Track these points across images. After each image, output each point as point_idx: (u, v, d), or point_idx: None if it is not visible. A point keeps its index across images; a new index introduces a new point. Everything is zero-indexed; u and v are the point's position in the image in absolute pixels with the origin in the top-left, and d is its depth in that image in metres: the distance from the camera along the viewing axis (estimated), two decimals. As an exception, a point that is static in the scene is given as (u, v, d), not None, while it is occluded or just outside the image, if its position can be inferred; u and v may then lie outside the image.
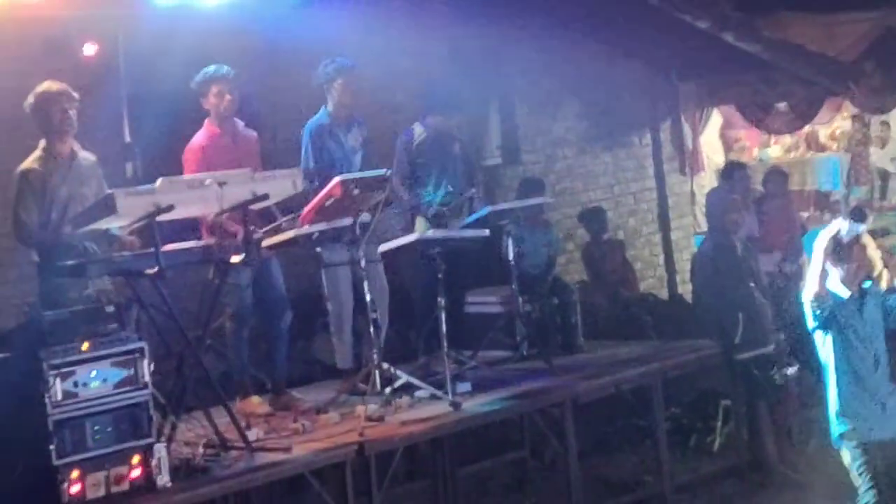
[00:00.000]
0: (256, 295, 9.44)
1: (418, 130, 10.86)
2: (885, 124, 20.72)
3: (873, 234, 17.90)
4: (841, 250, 7.95)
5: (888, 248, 17.75)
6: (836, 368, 8.06)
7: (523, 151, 15.16)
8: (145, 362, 7.45)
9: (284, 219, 8.99)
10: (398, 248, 9.74)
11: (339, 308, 9.84)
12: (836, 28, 16.27)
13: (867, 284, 8.08)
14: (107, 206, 7.74)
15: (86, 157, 8.62)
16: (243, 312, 9.39)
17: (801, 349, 12.31)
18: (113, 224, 8.00)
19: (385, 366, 9.25)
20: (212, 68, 9.41)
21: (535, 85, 14.88)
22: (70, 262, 7.89)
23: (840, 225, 8.08)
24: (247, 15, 10.66)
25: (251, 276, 9.24)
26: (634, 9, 13.69)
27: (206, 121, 9.48)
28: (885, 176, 20.77)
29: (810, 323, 8.13)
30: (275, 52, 11.35)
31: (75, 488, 7.12)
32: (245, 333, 9.48)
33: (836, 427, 8.10)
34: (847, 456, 8.09)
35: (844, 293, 8.00)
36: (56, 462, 7.09)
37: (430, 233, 9.88)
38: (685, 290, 15.45)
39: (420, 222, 10.54)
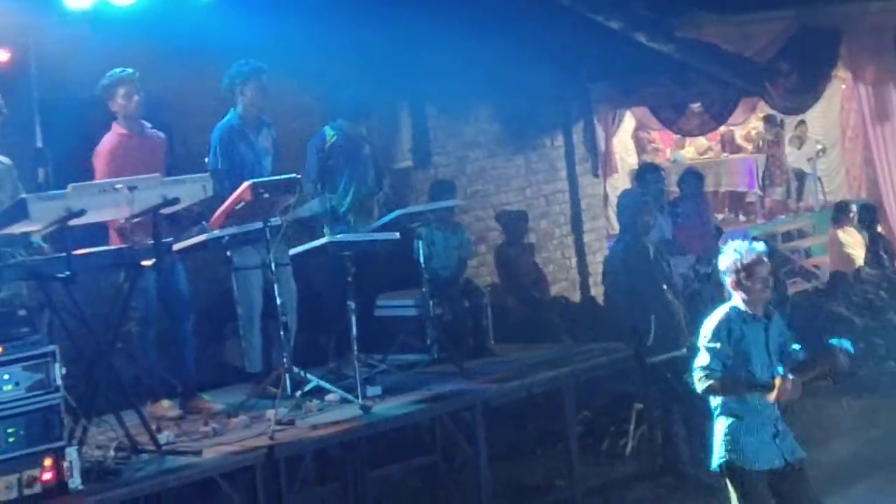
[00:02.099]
0: (161, 298, 9.62)
1: (329, 133, 11.10)
2: (802, 124, 21.15)
3: (788, 236, 18.63)
4: (742, 272, 7.87)
5: (803, 250, 18.33)
6: (724, 401, 7.99)
7: (434, 154, 15.40)
8: (57, 366, 7.59)
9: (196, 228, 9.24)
10: (308, 252, 9.89)
11: (250, 311, 10.04)
12: (750, 28, 16.59)
13: (771, 307, 8.09)
14: (19, 211, 7.94)
15: (2, 160, 8.86)
16: (149, 315, 9.54)
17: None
18: (25, 229, 8.17)
19: (295, 369, 9.40)
20: (117, 71, 9.60)
21: (445, 87, 15.05)
22: (-18, 266, 8.04)
23: (738, 246, 8.00)
24: (157, 20, 10.83)
25: (156, 279, 9.39)
26: (545, 9, 13.96)
27: (114, 123, 9.67)
28: (801, 176, 21.19)
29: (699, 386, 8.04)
30: (185, 57, 11.49)
31: (-13, 491, 7.27)
32: (152, 336, 9.63)
33: (719, 456, 8.02)
34: (730, 485, 8.01)
35: (749, 317, 7.91)
36: (-32, 465, 7.25)
37: (341, 236, 10.04)
38: (598, 292, 15.58)
39: (328, 226, 10.80)
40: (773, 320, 8.03)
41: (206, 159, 10.29)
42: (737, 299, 7.95)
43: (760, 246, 8.04)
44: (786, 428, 8.01)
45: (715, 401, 8.06)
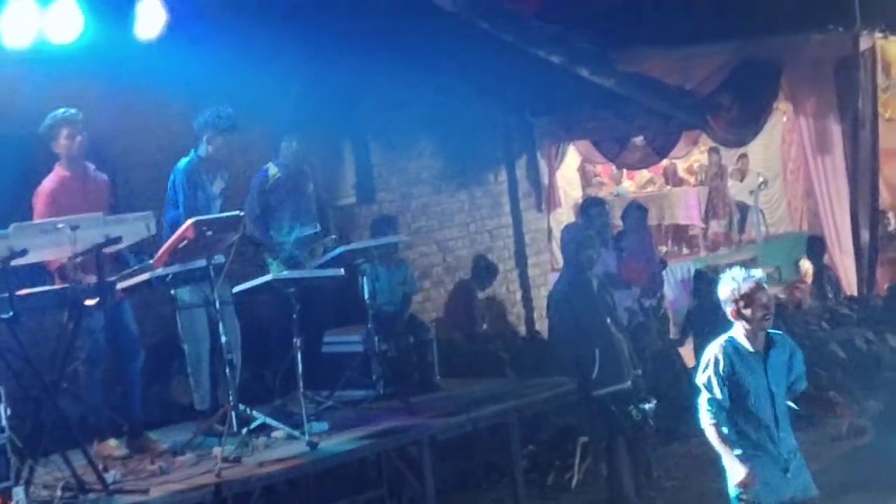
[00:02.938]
0: (109, 338, 9.60)
1: (273, 171, 11.20)
2: (744, 156, 21.33)
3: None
4: (741, 301, 7.72)
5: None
6: (730, 434, 7.84)
7: (378, 190, 15.47)
8: (2, 406, 7.69)
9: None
10: (254, 289, 9.96)
11: (197, 349, 10.08)
12: (692, 61, 16.75)
13: (776, 335, 7.91)
14: (-40, 251, 7.95)
15: None
16: (96, 355, 9.53)
17: (660, 384, 12.85)
18: None
19: (241, 406, 9.45)
20: (60, 111, 9.57)
21: (389, 124, 15.16)
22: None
23: (735, 275, 7.85)
24: (98, 58, 10.83)
25: (104, 319, 9.38)
26: (487, 45, 13.99)
27: (57, 164, 9.64)
28: (743, 209, 21.29)
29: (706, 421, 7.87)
30: (127, 95, 11.58)
31: (-66, 530, 7.30)
32: (98, 376, 9.63)
33: (733, 493, 7.82)
34: None
35: (748, 345, 7.81)
36: (-86, 505, 7.27)
37: (285, 273, 10.11)
38: (542, 326, 15.69)
39: (273, 262, 10.88)
40: (776, 350, 7.87)
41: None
42: (737, 329, 7.85)
43: (758, 273, 7.93)
44: (802, 464, 7.90)
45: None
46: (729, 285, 7.81)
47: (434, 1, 13.17)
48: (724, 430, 7.81)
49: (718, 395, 7.76)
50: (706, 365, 7.85)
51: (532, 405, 11.25)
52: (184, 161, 10.33)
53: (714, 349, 7.88)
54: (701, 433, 7.99)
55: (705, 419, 7.84)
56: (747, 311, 7.73)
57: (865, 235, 16.96)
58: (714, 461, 10.98)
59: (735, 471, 7.74)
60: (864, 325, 15.30)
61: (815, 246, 17.35)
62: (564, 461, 12.17)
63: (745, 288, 7.73)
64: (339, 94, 13.94)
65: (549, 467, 12.18)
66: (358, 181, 15.38)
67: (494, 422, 10.89)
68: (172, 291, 9.85)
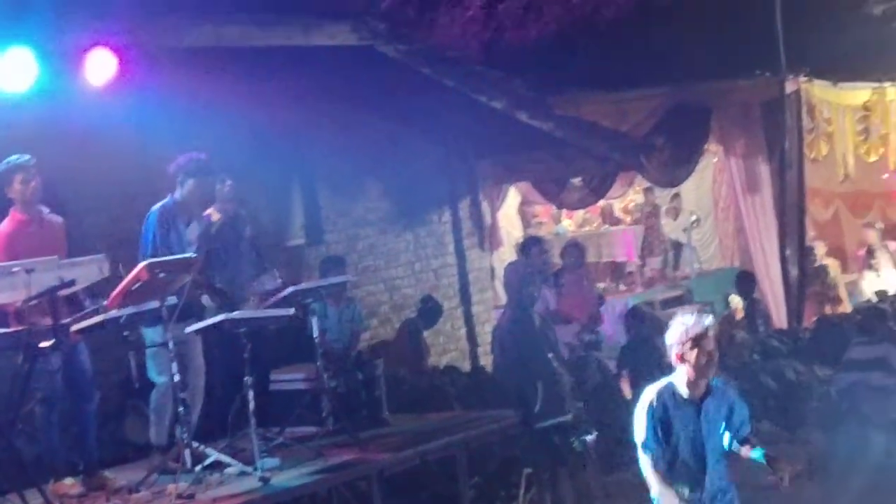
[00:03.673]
0: (65, 378, 9.45)
1: (215, 216, 11.09)
2: (677, 196, 21.43)
3: (666, 303, 18.78)
4: (688, 344, 7.56)
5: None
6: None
7: (326, 232, 15.42)
8: None
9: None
10: (205, 328, 9.81)
11: (162, 386, 9.92)
12: (626, 105, 16.89)
13: (715, 382, 7.72)
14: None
15: None
16: (53, 396, 9.38)
17: (601, 416, 12.80)
18: None
19: (195, 444, 9.39)
20: (13, 158, 9.47)
21: (336, 167, 15.11)
22: None
23: (685, 319, 7.69)
24: (50, 104, 10.71)
25: (60, 360, 9.25)
26: (431, 90, 14.07)
27: (12, 209, 9.52)
28: (677, 246, 21.40)
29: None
30: (79, 140, 11.44)
31: None
32: (55, 417, 9.47)
33: None
34: None
35: (684, 390, 7.66)
36: None
37: (237, 313, 9.97)
38: (487, 361, 15.72)
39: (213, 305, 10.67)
40: (713, 398, 7.69)
41: None
42: (679, 374, 7.68)
43: (708, 319, 7.73)
44: None
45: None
46: (678, 328, 7.66)
47: (379, 49, 13.20)
48: (662, 470, 7.69)
49: (650, 439, 7.64)
50: (642, 412, 7.71)
51: (478, 438, 11.16)
52: (158, 205, 10.20)
53: (650, 394, 7.73)
54: (637, 462, 7.90)
55: (644, 465, 7.73)
56: (691, 356, 7.56)
57: (794, 270, 17.04)
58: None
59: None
60: (793, 356, 15.33)
61: (746, 281, 17.37)
62: (510, 492, 12.03)
63: (692, 333, 7.58)
64: (288, 139, 13.88)
65: (495, 498, 12.06)
66: (306, 223, 15.30)
67: (442, 455, 10.84)
68: (125, 333, 9.63)
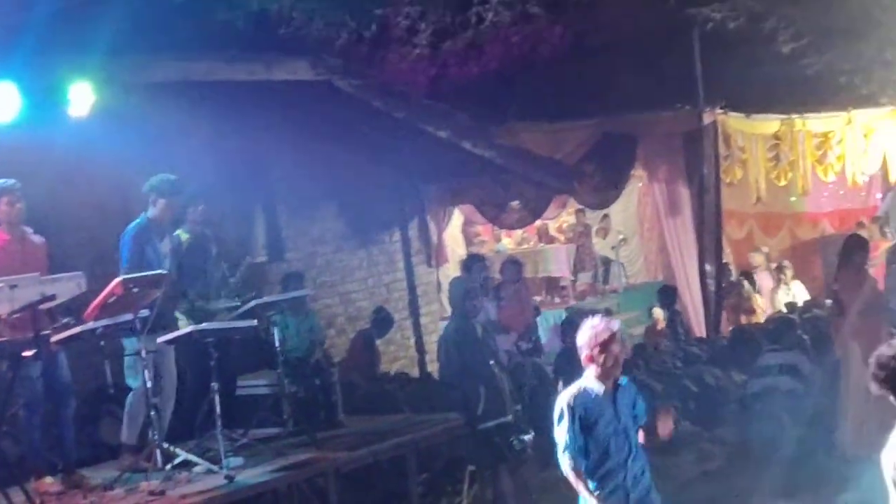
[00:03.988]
0: (45, 385, 9.37)
1: (184, 236, 10.99)
2: (606, 217, 21.48)
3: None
4: (597, 348, 7.57)
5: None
6: (587, 465, 7.65)
7: (287, 250, 15.37)
8: None
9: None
10: (175, 339, 9.79)
11: (139, 391, 9.79)
12: (560, 135, 16.95)
13: (623, 381, 7.76)
14: None
15: None
16: (34, 401, 9.31)
17: (537, 417, 12.77)
18: None
19: (165, 445, 9.38)
20: (1, 181, 9.39)
21: (296, 190, 15.06)
22: None
23: (594, 323, 7.66)
24: (34, 133, 10.65)
25: (41, 368, 9.18)
26: (383, 121, 14.05)
27: None
28: (606, 262, 21.43)
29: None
30: (60, 166, 11.39)
31: None
32: (37, 420, 9.40)
33: None
34: None
35: (598, 389, 7.65)
36: None
37: (204, 325, 9.91)
38: (434, 368, 15.55)
39: (183, 317, 10.64)
40: (622, 393, 7.73)
41: None
42: (589, 374, 7.68)
43: (615, 325, 7.73)
44: (647, 486, 7.77)
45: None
46: (587, 332, 7.65)
47: (335, 83, 13.18)
48: (581, 468, 7.65)
49: (573, 441, 7.59)
50: (560, 415, 7.68)
51: (425, 438, 11.14)
52: (133, 223, 10.12)
53: (566, 397, 7.70)
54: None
55: (565, 465, 7.68)
56: (600, 359, 7.57)
57: (711, 284, 17.10)
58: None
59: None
60: (712, 362, 15.36)
61: (668, 294, 17.42)
62: (455, 487, 11.96)
63: (601, 337, 7.57)
64: (251, 165, 13.83)
65: (442, 494, 12.00)
66: (268, 241, 15.26)
67: (393, 454, 10.81)
68: (101, 343, 9.69)
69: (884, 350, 6.09)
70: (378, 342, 15.75)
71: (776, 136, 18.32)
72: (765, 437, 13.07)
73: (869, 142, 19.19)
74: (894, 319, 13.21)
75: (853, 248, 13.19)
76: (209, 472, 9.41)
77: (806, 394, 13.51)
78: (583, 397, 7.67)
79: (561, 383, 14.25)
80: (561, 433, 7.68)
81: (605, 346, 7.58)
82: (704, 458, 12.77)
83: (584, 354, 7.69)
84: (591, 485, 7.64)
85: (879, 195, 21.26)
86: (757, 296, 18.87)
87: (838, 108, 18.88)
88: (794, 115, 18.46)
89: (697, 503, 10.87)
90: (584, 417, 7.61)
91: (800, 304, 17.63)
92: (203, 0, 12.67)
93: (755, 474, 12.03)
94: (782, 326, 14.70)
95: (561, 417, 7.69)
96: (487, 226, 20.21)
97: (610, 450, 7.67)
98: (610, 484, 7.67)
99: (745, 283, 18.77)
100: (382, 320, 15.48)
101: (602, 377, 7.65)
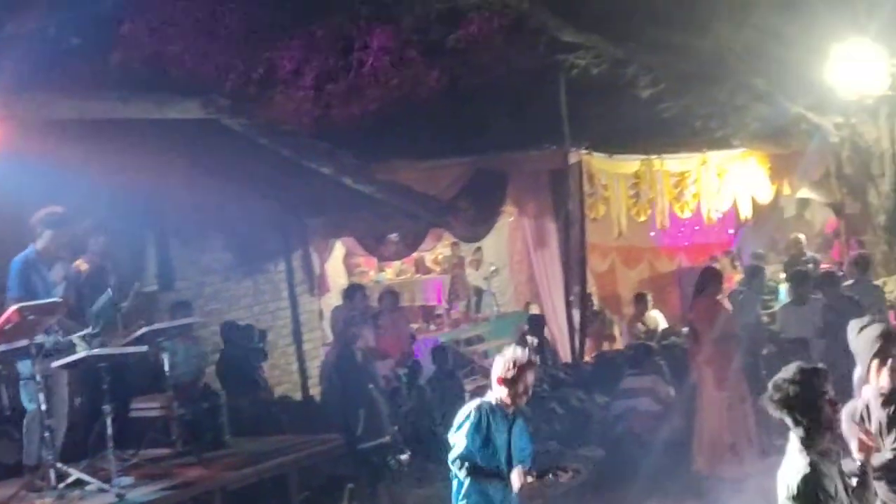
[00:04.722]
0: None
1: (83, 267, 10.98)
2: (479, 249, 21.62)
3: (469, 341, 18.95)
4: (513, 371, 7.65)
5: (481, 352, 18.69)
6: (468, 491, 7.71)
7: (176, 279, 15.24)
8: None
9: None
10: (70, 363, 9.73)
11: (34, 413, 9.77)
12: (436, 172, 17.03)
13: (520, 419, 7.86)
14: None
15: None
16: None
17: (414, 438, 12.90)
18: None
19: (59, 464, 9.32)
20: None
21: (186, 223, 14.96)
22: None
23: (515, 350, 7.82)
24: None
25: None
26: (269, 158, 14.03)
27: None
28: (479, 292, 21.52)
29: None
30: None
31: None
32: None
33: None
34: None
35: (503, 411, 7.74)
36: None
37: (97, 350, 9.89)
38: (316, 392, 15.72)
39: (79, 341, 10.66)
40: (519, 420, 7.85)
41: None
42: (497, 394, 7.75)
43: (536, 358, 7.91)
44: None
45: (463, 488, 7.80)
46: (508, 356, 7.77)
47: (224, 122, 13.18)
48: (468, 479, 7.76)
49: (470, 447, 7.68)
50: (462, 421, 7.76)
51: (307, 458, 11.20)
52: (21, 254, 10.08)
53: (472, 406, 7.80)
54: (445, 478, 7.97)
55: (460, 469, 7.77)
56: (514, 383, 7.68)
57: (576, 313, 17.28)
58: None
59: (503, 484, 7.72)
60: (577, 386, 15.58)
61: (536, 322, 17.61)
62: (335, 504, 12.09)
63: (520, 362, 7.71)
64: (144, 199, 13.68)
65: (322, 509, 12.09)
66: (159, 271, 15.11)
67: (276, 473, 10.84)
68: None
69: (780, 374, 6.18)
70: (263, 366, 15.70)
71: (636, 175, 18.56)
72: (626, 454, 13.33)
73: (722, 181, 19.58)
74: (743, 346, 13.56)
75: (707, 280, 13.50)
76: (100, 490, 9.38)
77: (664, 414, 13.79)
78: (487, 410, 7.75)
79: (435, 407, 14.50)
80: (461, 439, 7.75)
81: (521, 371, 7.70)
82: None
83: (497, 376, 7.76)
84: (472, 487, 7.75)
85: (731, 230, 21.72)
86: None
87: (694, 150, 19.20)
88: (653, 156, 18.70)
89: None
90: (486, 429, 7.70)
91: (658, 331, 17.91)
92: (100, 42, 12.64)
93: (618, 490, 12.25)
94: (642, 352, 14.93)
95: (460, 426, 7.76)
96: (368, 257, 20.25)
97: (497, 463, 7.75)
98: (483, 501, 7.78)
99: (607, 312, 19.03)
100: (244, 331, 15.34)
101: (510, 401, 7.74)
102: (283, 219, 16.46)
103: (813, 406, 6.06)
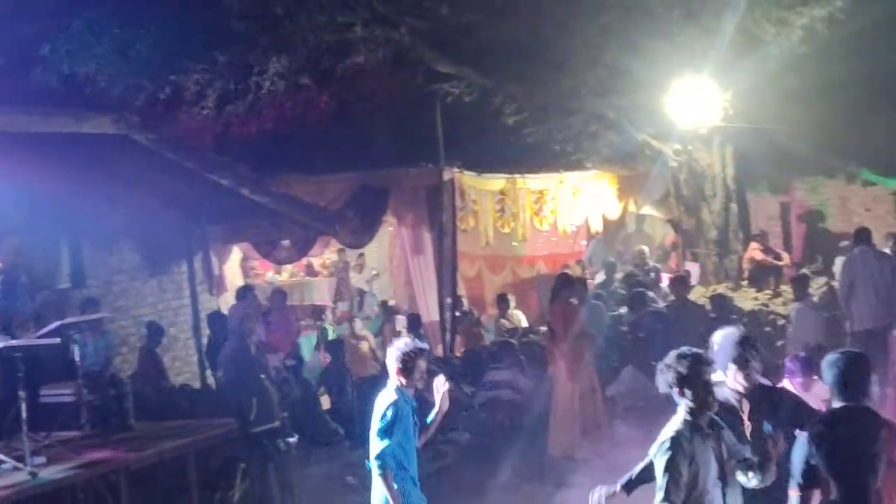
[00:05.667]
0: None
1: None
2: (362, 255, 21.64)
3: (357, 337, 18.92)
4: (408, 362, 7.75)
5: (368, 349, 18.66)
6: (399, 467, 7.81)
7: (88, 278, 15.06)
8: None
9: None
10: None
11: None
12: (325, 185, 17.00)
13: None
14: None
15: None
16: None
17: (300, 423, 12.87)
18: None
19: None
20: None
21: (98, 228, 14.76)
22: None
23: (407, 342, 7.89)
24: None
25: None
26: (174, 170, 13.92)
27: None
28: (361, 293, 21.59)
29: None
30: None
31: None
32: None
33: None
34: None
35: (407, 398, 7.83)
36: None
37: (13, 342, 9.75)
38: (213, 381, 15.46)
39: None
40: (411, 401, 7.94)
41: None
42: (398, 385, 7.83)
43: (424, 345, 8.01)
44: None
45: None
46: (400, 349, 7.86)
47: (133, 137, 13.07)
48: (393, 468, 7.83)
49: (390, 434, 7.74)
50: (383, 415, 7.80)
51: (205, 440, 11.08)
52: None
53: (387, 401, 7.83)
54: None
55: (385, 455, 7.79)
56: (410, 372, 7.79)
57: (448, 314, 17.39)
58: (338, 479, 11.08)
59: (395, 499, 7.79)
60: (447, 377, 15.58)
61: (414, 320, 17.67)
62: (229, 482, 11.83)
63: (413, 353, 7.82)
64: (59, 205, 13.51)
65: (217, 488, 11.79)
66: (72, 270, 14.92)
67: (176, 454, 10.71)
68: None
69: (665, 359, 6.31)
70: (165, 358, 15.57)
71: (502, 192, 18.79)
72: (490, 439, 13.47)
73: (576, 199, 19.94)
74: (593, 343, 13.80)
75: (562, 285, 13.73)
76: (15, 469, 9.25)
77: (523, 403, 13.95)
78: (401, 401, 7.83)
79: (325, 394, 14.50)
80: (387, 426, 7.80)
81: (414, 361, 7.82)
82: (439, 457, 13.04)
83: (396, 367, 7.83)
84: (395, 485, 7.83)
85: (584, 242, 22.07)
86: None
87: (552, 170, 19.53)
88: (517, 175, 18.98)
89: (434, 496, 11.11)
90: (401, 416, 7.78)
91: (520, 329, 18.10)
92: (23, 62, 12.43)
93: (483, 471, 12.37)
94: (504, 348, 15.09)
95: (383, 418, 7.81)
96: (262, 261, 20.16)
97: (409, 445, 7.90)
98: (408, 479, 7.95)
99: (475, 312, 19.16)
100: (154, 332, 15.22)
101: (408, 387, 7.85)
102: (186, 225, 16.30)
103: (695, 384, 6.21)
